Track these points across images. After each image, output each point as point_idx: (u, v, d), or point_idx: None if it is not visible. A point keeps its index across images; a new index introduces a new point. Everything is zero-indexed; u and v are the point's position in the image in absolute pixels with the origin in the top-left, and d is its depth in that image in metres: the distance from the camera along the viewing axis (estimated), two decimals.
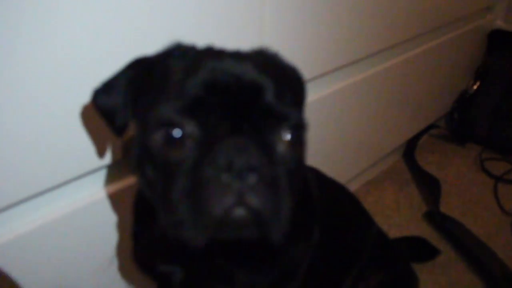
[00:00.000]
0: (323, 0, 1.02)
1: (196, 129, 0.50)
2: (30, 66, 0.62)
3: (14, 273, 0.75)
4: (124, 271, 0.93)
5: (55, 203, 0.77)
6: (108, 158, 0.79)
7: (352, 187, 1.63)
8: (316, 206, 0.75)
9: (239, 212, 0.46)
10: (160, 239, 0.66)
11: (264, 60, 0.59)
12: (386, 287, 1.00)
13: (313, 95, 1.15)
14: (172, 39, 0.60)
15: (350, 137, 1.43)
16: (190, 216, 0.47)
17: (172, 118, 0.49)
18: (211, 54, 0.57)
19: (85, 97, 0.66)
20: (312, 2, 0.99)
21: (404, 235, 1.41)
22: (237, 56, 0.55)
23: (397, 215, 1.60)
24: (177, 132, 0.49)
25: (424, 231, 1.52)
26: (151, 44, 0.62)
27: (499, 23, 2.01)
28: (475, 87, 1.98)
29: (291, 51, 0.67)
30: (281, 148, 0.52)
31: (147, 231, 0.70)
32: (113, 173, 0.83)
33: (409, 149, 1.90)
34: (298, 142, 0.55)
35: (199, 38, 0.62)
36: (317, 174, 0.92)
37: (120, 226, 0.87)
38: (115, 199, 0.83)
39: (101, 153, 0.76)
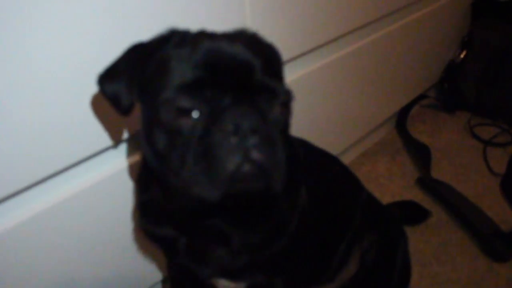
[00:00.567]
0: None
1: (203, 103, 0.58)
2: (46, 45, 0.68)
3: (38, 248, 0.83)
4: (139, 242, 1.01)
5: (72, 181, 0.84)
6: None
7: (346, 160, 1.70)
8: (301, 171, 0.81)
9: (247, 166, 0.56)
10: (164, 206, 0.74)
11: (249, 40, 0.67)
12: (377, 246, 1.07)
13: (302, 70, 1.21)
14: (157, 22, 0.67)
15: (341, 110, 1.48)
16: (206, 175, 0.56)
17: (180, 96, 0.58)
18: (207, 36, 0.64)
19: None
20: None
21: (396, 200, 1.49)
22: (228, 37, 0.64)
23: (390, 183, 1.67)
24: (185, 108, 0.58)
25: (416, 196, 1.59)
26: (137, 28, 0.67)
27: None
28: (462, 56, 2.03)
29: (276, 30, 0.73)
30: (272, 114, 0.62)
31: (152, 200, 0.77)
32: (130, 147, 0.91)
33: (401, 119, 1.96)
34: (285, 109, 0.64)
35: (182, 20, 0.68)
36: (306, 144, 0.98)
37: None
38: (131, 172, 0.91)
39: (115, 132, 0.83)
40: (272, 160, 0.57)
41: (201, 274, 0.80)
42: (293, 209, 0.77)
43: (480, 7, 2.01)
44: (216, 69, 0.59)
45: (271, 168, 0.58)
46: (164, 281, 1.20)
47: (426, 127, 2.00)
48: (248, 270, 0.81)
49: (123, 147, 0.91)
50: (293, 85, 0.69)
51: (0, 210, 0.77)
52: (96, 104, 0.79)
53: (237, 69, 0.60)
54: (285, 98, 0.63)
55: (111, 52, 0.66)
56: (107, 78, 0.65)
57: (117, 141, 0.87)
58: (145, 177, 0.78)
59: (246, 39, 0.66)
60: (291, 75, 1.17)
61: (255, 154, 0.56)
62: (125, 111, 0.64)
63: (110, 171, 0.89)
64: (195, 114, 0.58)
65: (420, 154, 1.77)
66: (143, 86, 0.63)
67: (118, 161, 0.90)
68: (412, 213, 1.45)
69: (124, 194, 0.93)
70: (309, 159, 0.93)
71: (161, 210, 0.76)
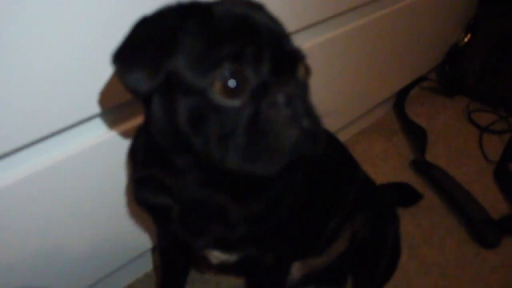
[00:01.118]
0: None
1: (251, 74, 0.55)
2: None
3: (30, 209, 0.82)
4: (129, 209, 1.00)
5: (65, 144, 0.82)
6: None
7: (343, 137, 1.69)
8: None
9: (303, 135, 0.55)
10: (164, 181, 0.72)
11: (263, 9, 0.63)
12: (369, 226, 1.07)
13: (305, 44, 1.18)
14: None
15: (340, 87, 1.46)
16: (264, 152, 0.55)
17: (227, 68, 0.54)
18: (231, 4, 0.60)
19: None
20: None
21: (390, 181, 1.49)
22: (249, 6, 0.62)
23: (385, 164, 1.67)
24: (234, 81, 0.54)
25: (410, 178, 1.59)
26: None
27: None
28: (466, 39, 2.00)
29: (275, 2, 0.70)
30: (303, 81, 0.63)
31: (150, 176, 0.74)
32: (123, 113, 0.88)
33: (399, 100, 1.95)
34: (308, 70, 0.65)
35: None
36: None
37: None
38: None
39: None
40: (318, 122, 0.58)
41: (195, 245, 0.79)
42: (292, 182, 0.76)
43: None
44: (253, 39, 0.56)
45: (320, 132, 0.58)
46: (154, 249, 1.20)
47: (424, 109, 1.99)
48: (242, 243, 0.80)
49: (117, 112, 0.88)
50: None
51: None
52: (94, 68, 0.76)
53: (271, 38, 0.58)
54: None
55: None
56: (126, 60, 0.57)
57: (111, 106, 0.84)
58: (143, 153, 0.75)
59: (261, 8, 0.64)
60: None
61: (306, 122, 0.56)
62: (144, 95, 0.59)
63: (104, 136, 0.87)
64: (243, 88, 0.55)
65: (416, 136, 1.77)
66: (168, 66, 0.57)
67: (112, 126, 0.88)
68: (404, 195, 1.45)
69: (117, 160, 0.91)
70: None
71: (158, 182, 0.73)
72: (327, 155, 1.01)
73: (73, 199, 0.88)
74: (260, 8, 0.62)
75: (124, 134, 0.88)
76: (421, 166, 1.63)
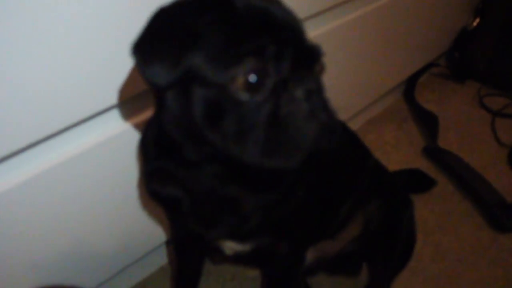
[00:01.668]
0: None
1: (273, 69, 0.56)
2: None
3: (41, 208, 0.82)
4: (142, 203, 1.01)
5: (77, 140, 0.83)
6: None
7: (353, 126, 1.68)
8: None
9: (321, 129, 0.56)
10: (176, 174, 0.72)
11: (280, 3, 0.63)
12: (383, 212, 1.07)
13: (311, 32, 1.17)
14: None
15: (349, 75, 1.45)
16: (285, 146, 0.56)
17: (249, 63, 0.54)
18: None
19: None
20: None
21: (402, 168, 1.48)
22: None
23: (396, 151, 1.66)
24: (255, 77, 0.54)
25: (422, 165, 1.58)
26: None
27: None
28: (474, 24, 1.98)
29: None
30: (320, 76, 0.63)
31: (162, 168, 0.74)
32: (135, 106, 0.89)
33: (409, 87, 1.93)
34: (323, 70, 0.66)
35: None
36: None
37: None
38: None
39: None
40: (335, 117, 0.60)
41: (208, 236, 0.79)
42: (301, 175, 0.76)
43: None
44: (275, 35, 0.56)
45: (336, 125, 0.59)
46: (167, 243, 1.20)
47: (434, 95, 1.97)
48: (256, 233, 0.80)
49: (128, 106, 0.88)
50: None
51: (3, 168, 0.75)
52: (102, 62, 0.76)
53: (292, 34, 0.58)
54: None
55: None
56: (144, 62, 0.55)
57: (122, 100, 0.84)
58: (154, 145, 0.75)
59: (279, 2, 0.63)
60: None
61: (324, 116, 0.57)
62: (163, 89, 0.59)
63: (116, 130, 0.87)
64: (264, 84, 0.55)
65: (428, 122, 1.75)
66: (188, 60, 0.56)
67: (123, 120, 0.88)
68: (418, 182, 1.44)
69: (128, 154, 0.91)
70: None
71: (171, 177, 0.74)
72: (339, 144, 1.01)
73: (86, 195, 0.89)
74: (278, 1, 0.62)
75: (137, 127, 0.89)
76: (434, 152, 1.62)
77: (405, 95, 1.95)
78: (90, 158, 0.85)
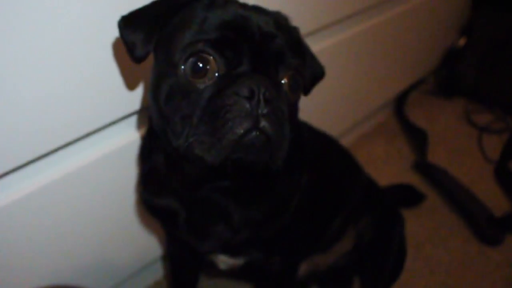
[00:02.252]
0: None
1: (221, 62, 0.58)
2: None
3: (42, 221, 0.84)
4: (140, 217, 1.02)
5: (76, 155, 0.84)
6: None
7: (345, 142, 1.71)
8: (306, 153, 0.82)
9: (254, 134, 0.55)
10: (166, 174, 0.75)
11: (277, 17, 0.67)
12: (374, 227, 1.09)
13: None
14: None
15: (340, 92, 1.49)
16: (211, 137, 0.56)
17: (202, 49, 0.58)
18: (238, 4, 0.65)
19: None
20: None
21: (393, 183, 1.51)
22: (259, 10, 0.65)
23: (387, 166, 1.70)
24: (203, 63, 0.58)
25: (412, 180, 1.61)
26: None
27: None
28: (461, 42, 2.04)
29: (278, 8, 0.73)
30: (285, 89, 0.63)
31: (154, 169, 0.77)
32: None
33: (399, 104, 1.98)
34: (298, 86, 0.65)
35: None
36: (309, 128, 1.00)
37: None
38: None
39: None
40: (278, 134, 0.57)
41: (200, 249, 0.81)
42: (295, 189, 0.78)
43: None
44: (241, 34, 0.59)
45: (276, 142, 0.57)
46: (164, 257, 1.22)
47: (423, 112, 2.02)
48: (247, 246, 0.82)
49: (129, 121, 0.91)
50: None
51: (4, 183, 0.77)
52: (104, 76, 0.79)
53: (260, 38, 0.60)
54: (299, 73, 0.64)
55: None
56: (128, 24, 0.64)
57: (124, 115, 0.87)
58: (148, 146, 0.79)
59: (275, 16, 0.67)
60: None
61: (264, 124, 0.55)
62: (138, 60, 0.64)
63: (113, 147, 0.89)
64: (211, 73, 0.58)
65: (417, 138, 1.80)
66: (162, 39, 0.63)
67: (124, 135, 0.91)
68: (408, 196, 1.47)
69: (126, 169, 0.94)
70: (311, 141, 0.94)
71: (163, 180, 0.76)
72: (330, 159, 1.04)
73: (84, 208, 0.91)
74: (268, 14, 0.65)
75: (133, 143, 0.91)
76: (423, 167, 1.66)
77: (395, 111, 2.00)
78: (89, 173, 0.87)
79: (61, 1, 0.66)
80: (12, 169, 0.75)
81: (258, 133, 0.55)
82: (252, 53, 0.59)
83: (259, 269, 0.98)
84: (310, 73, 0.75)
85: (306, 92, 0.78)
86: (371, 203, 1.12)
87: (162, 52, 0.63)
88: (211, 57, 0.58)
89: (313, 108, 1.33)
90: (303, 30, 1.14)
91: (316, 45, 1.24)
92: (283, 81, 0.62)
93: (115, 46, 0.76)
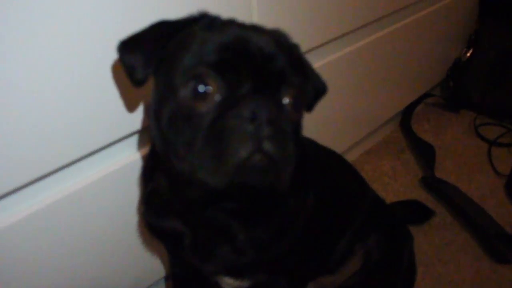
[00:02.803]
0: None
1: (222, 85, 0.57)
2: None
3: (42, 243, 0.82)
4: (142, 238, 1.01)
5: (76, 176, 0.83)
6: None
7: (350, 158, 1.69)
8: (311, 171, 0.81)
9: (258, 157, 0.54)
10: (169, 196, 0.73)
11: (277, 36, 0.66)
12: (382, 245, 1.07)
13: None
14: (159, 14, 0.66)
15: (346, 107, 1.47)
16: (214, 160, 0.55)
17: (203, 72, 0.57)
18: (237, 25, 0.64)
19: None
20: None
21: (400, 200, 1.48)
22: (257, 29, 0.64)
23: (394, 182, 1.67)
24: (204, 87, 0.57)
25: (420, 195, 1.58)
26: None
27: None
28: (468, 54, 2.02)
29: (280, 25, 0.72)
30: (287, 109, 0.62)
31: (157, 190, 0.76)
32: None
33: (405, 118, 1.95)
34: (301, 105, 0.65)
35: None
36: (314, 145, 0.98)
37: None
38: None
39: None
40: (282, 155, 0.56)
41: (205, 271, 0.80)
42: (300, 209, 0.76)
43: (488, 4, 2.00)
44: (241, 55, 0.58)
45: (281, 163, 0.56)
46: (167, 278, 1.20)
47: (430, 126, 1.99)
48: (252, 268, 0.81)
49: (129, 141, 0.90)
50: None
51: (4, 204, 0.76)
52: (104, 97, 0.78)
53: (261, 59, 0.59)
54: (301, 92, 0.63)
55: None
56: (127, 47, 0.64)
57: (124, 135, 0.86)
58: (151, 166, 0.78)
59: (274, 34, 0.66)
60: None
61: (268, 146, 0.54)
62: (138, 84, 0.63)
63: (113, 167, 0.88)
64: (212, 96, 0.57)
65: (424, 153, 1.77)
66: (162, 62, 0.63)
67: (123, 155, 0.89)
68: (416, 213, 1.44)
69: (128, 189, 0.92)
70: (316, 158, 0.92)
71: (166, 201, 0.75)
72: (336, 176, 1.02)
73: (85, 230, 0.89)
74: (268, 33, 0.64)
75: (134, 163, 0.90)
76: (431, 182, 1.62)
77: (401, 125, 1.97)
78: (89, 194, 0.86)
79: (61, 23, 0.66)
80: (11, 190, 0.74)
81: (262, 155, 0.54)
82: (253, 74, 0.58)
83: None
84: (312, 89, 0.74)
85: (309, 108, 0.77)
86: (379, 221, 1.10)
87: (162, 75, 0.62)
88: (212, 81, 0.57)
89: (317, 125, 1.32)
90: (305, 46, 1.15)
91: (319, 61, 1.24)
92: (285, 101, 0.61)
93: (115, 69, 0.75)
